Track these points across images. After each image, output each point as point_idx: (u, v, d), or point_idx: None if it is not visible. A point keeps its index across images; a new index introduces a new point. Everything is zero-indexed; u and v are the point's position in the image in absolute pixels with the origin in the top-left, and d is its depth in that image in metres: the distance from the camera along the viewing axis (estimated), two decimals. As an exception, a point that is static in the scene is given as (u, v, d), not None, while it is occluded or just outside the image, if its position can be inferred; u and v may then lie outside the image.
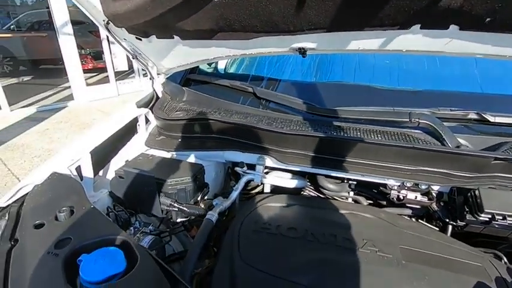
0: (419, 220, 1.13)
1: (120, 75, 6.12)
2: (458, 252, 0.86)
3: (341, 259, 0.83)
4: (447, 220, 1.01)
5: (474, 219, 0.90)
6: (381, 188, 1.11)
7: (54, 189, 0.86)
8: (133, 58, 1.19)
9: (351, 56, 1.41)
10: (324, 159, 1.09)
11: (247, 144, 1.18)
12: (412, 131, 1.07)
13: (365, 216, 1.01)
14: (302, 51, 1.03)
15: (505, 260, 0.92)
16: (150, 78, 1.38)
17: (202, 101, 1.38)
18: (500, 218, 0.85)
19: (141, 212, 1.08)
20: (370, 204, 1.23)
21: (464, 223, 0.95)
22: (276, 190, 1.28)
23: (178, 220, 1.08)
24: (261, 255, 0.85)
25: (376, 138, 1.04)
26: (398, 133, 1.05)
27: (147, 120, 1.41)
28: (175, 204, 1.02)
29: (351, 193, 1.25)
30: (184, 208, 1.02)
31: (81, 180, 1.01)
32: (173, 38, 1.02)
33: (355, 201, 1.25)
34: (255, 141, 1.17)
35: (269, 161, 1.18)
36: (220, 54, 1.14)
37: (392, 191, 1.07)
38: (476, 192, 0.91)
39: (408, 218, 1.10)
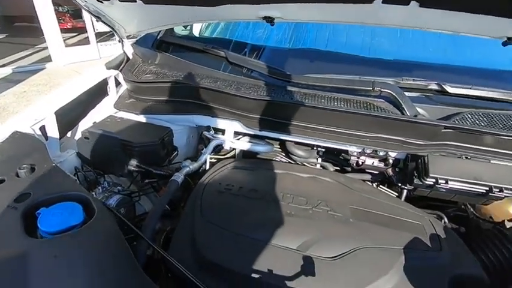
0: (381, 186, 1.20)
1: (102, 37, 5.82)
2: (403, 213, 0.94)
3: (295, 217, 0.89)
4: (399, 184, 1.08)
5: (421, 183, 0.96)
6: (343, 154, 1.16)
7: (16, 148, 0.87)
8: (97, 20, 1.15)
9: (325, 24, 1.39)
10: (289, 125, 1.12)
11: (216, 109, 1.19)
12: (375, 99, 1.10)
13: (324, 180, 1.07)
14: (269, 20, 1.02)
15: (445, 220, 1.01)
16: (119, 41, 1.33)
17: (174, 64, 1.35)
18: (443, 182, 0.92)
19: (109, 172, 1.11)
20: (336, 170, 1.29)
21: (412, 187, 1.02)
22: (248, 155, 1.32)
23: (147, 181, 1.12)
24: (221, 214, 0.90)
25: (340, 105, 1.07)
26: (361, 101, 1.08)
27: (118, 83, 1.40)
28: (142, 166, 1.05)
29: (319, 159, 1.31)
30: (151, 169, 1.06)
31: (46, 140, 1.02)
32: (135, 1, 0.98)
33: (323, 167, 1.31)
34: (224, 106, 1.18)
35: (238, 126, 1.21)
36: (186, 19, 1.11)
37: (352, 157, 1.12)
38: (425, 158, 0.96)
39: (367, 183, 1.17)
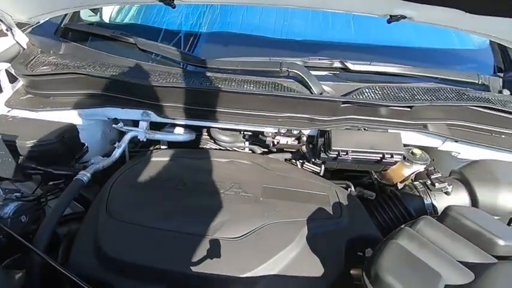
0: (306, 163, 1.24)
1: None
2: (312, 186, 0.99)
3: (206, 202, 0.89)
4: (312, 160, 1.14)
5: (326, 156, 1.02)
6: (260, 135, 1.18)
7: None
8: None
9: (239, 6, 1.38)
10: (201, 111, 1.10)
11: (126, 99, 1.13)
12: (285, 80, 1.13)
13: (242, 163, 1.08)
14: (168, 2, 0.97)
15: (352, 188, 1.09)
16: (7, 30, 1.17)
17: (78, 53, 1.24)
18: (344, 153, 0.98)
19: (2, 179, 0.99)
20: (263, 152, 1.32)
21: (321, 161, 1.08)
22: (174, 145, 1.28)
23: (52, 183, 1.02)
24: (128, 208, 0.87)
25: (249, 88, 1.07)
26: (271, 82, 1.10)
27: (16, 78, 1.24)
28: (40, 167, 0.96)
29: (246, 143, 1.32)
30: (51, 170, 0.97)
31: None
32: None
33: (252, 150, 1.32)
34: (134, 95, 1.12)
35: (153, 116, 1.16)
36: (83, 3, 1.01)
37: (267, 138, 1.14)
38: (329, 133, 1.02)
39: (285, 162, 1.21)
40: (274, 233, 0.81)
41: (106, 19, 1.49)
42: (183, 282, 0.74)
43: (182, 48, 1.28)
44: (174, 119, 1.11)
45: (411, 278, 0.54)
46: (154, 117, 1.15)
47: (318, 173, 1.21)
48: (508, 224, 0.87)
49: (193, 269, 0.73)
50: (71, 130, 1.04)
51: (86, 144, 1.12)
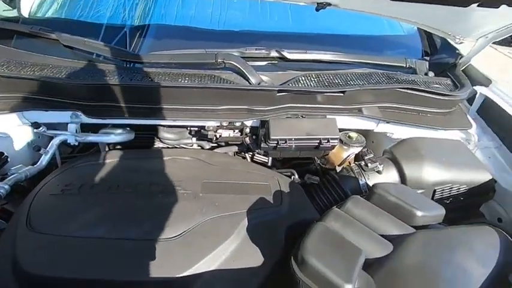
0: (256, 155, 1.23)
1: None
2: (255, 177, 0.98)
3: (140, 204, 0.84)
4: (256, 150, 1.14)
5: (267, 146, 1.02)
6: (202, 130, 1.15)
7: None
8: None
9: (173, -3, 1.32)
10: (137, 109, 1.04)
11: (51, 101, 1.03)
12: (222, 72, 1.11)
13: (182, 160, 1.04)
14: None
15: (296, 176, 1.11)
16: None
17: (-11, 53, 1.11)
18: (283, 142, 0.99)
19: None
20: (212, 147, 1.28)
21: (263, 151, 1.08)
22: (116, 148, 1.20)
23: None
24: (52, 219, 0.79)
25: (185, 81, 1.03)
26: (207, 75, 1.07)
27: None
28: None
29: (194, 139, 1.27)
30: (-41, 184, 0.86)
31: None
32: None
33: (201, 146, 1.28)
34: (59, 96, 1.02)
35: (83, 117, 1.07)
36: None
37: (209, 132, 1.12)
38: (268, 123, 1.02)
39: (229, 155, 1.19)
40: (212, 228, 0.79)
41: (25, 14, 1.35)
42: None
43: (113, 43, 1.19)
44: (106, 118, 1.04)
45: (333, 257, 0.55)
46: (85, 119, 1.06)
47: (266, 164, 1.22)
48: (432, 196, 0.94)
49: (123, 276, 0.69)
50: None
51: (5, 154, 1.01)
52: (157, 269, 0.71)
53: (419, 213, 0.69)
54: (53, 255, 0.71)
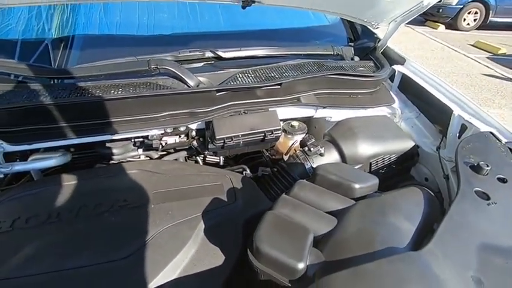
0: (209, 157, 1.22)
1: None
2: (206, 179, 0.98)
3: (86, 230, 0.79)
4: (205, 153, 1.14)
5: (214, 146, 1.03)
6: (145, 140, 1.11)
7: None
8: None
9: (95, 5, 1.24)
10: (71, 127, 0.97)
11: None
12: (158, 78, 1.08)
13: (128, 174, 1.00)
14: None
15: (247, 171, 1.14)
16: None
17: None
18: (229, 140, 1.01)
19: None
20: (161, 156, 1.24)
21: (211, 151, 1.09)
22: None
23: None
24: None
25: (118, 92, 0.99)
26: (142, 83, 1.04)
27: None
28: None
29: (140, 150, 1.22)
30: None
31: None
32: None
33: (149, 156, 1.23)
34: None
35: (6, 146, 0.96)
36: None
37: (153, 141, 1.09)
38: (212, 123, 1.03)
39: (178, 161, 1.17)
40: (168, 237, 0.78)
41: None
42: None
43: (30, 60, 1.09)
44: (32, 143, 0.95)
45: (284, 241, 0.59)
46: (8, 147, 0.96)
47: (219, 164, 1.22)
48: (370, 169, 1.04)
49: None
50: None
51: None
52: (116, 292, 0.68)
53: (356, 186, 0.76)
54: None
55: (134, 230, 0.79)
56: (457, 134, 1.06)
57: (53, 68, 1.04)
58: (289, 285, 0.57)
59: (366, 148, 1.02)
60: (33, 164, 1.02)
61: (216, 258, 0.78)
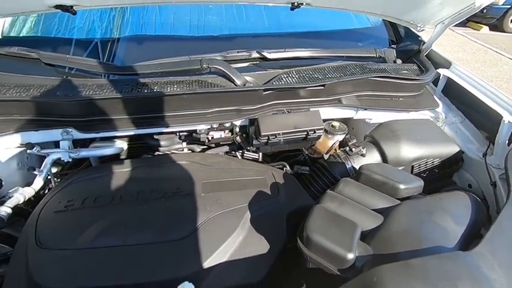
0: (246, 152, 1.29)
1: None
2: (250, 173, 1.04)
3: (146, 211, 0.88)
4: (248, 148, 1.20)
5: (258, 142, 1.09)
6: (194, 134, 1.20)
7: None
8: None
9: (150, 7, 1.34)
10: (128, 120, 1.07)
11: (39, 120, 1.03)
12: (208, 76, 1.15)
13: (179, 164, 1.08)
14: (65, 8, 0.91)
15: (287, 168, 1.19)
16: None
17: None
18: (273, 137, 1.06)
19: None
20: (203, 149, 1.33)
21: (255, 147, 1.15)
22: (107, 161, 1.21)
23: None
24: (60, 234, 0.82)
25: (174, 89, 1.07)
26: (194, 81, 1.12)
27: None
28: None
29: (184, 144, 1.31)
30: (-42, 213, 0.85)
31: None
32: None
33: (191, 150, 1.32)
34: (48, 115, 1.03)
35: (75, 133, 1.08)
36: None
37: (201, 135, 1.16)
38: (257, 121, 1.09)
39: (221, 155, 1.24)
40: (218, 223, 0.85)
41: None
42: None
43: (95, 57, 1.20)
44: (98, 132, 1.06)
45: (333, 232, 0.63)
46: (77, 135, 1.08)
47: (257, 160, 1.28)
48: (411, 172, 1.05)
49: (142, 278, 0.73)
50: (-25, 165, 0.92)
51: (0, 178, 1.01)
52: (172, 268, 0.75)
53: (402, 187, 0.78)
54: (65, 268, 0.74)
55: (188, 215, 0.87)
56: (507, 141, 1.03)
57: (115, 65, 1.14)
58: (338, 273, 0.61)
59: (408, 151, 1.03)
60: (96, 151, 1.14)
61: (261, 246, 0.83)
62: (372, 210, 0.73)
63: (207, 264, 0.76)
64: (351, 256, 0.59)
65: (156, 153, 1.27)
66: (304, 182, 1.09)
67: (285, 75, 1.17)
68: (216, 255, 0.78)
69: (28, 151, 1.01)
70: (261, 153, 1.27)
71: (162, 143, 1.26)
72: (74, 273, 0.73)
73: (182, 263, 0.76)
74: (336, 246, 0.60)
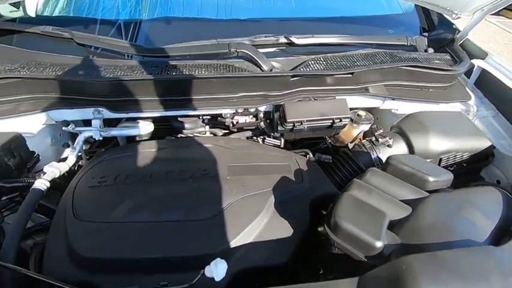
0: (267, 138, 1.30)
1: None
2: (274, 158, 1.06)
3: (175, 190, 0.91)
4: (272, 134, 1.21)
5: (283, 128, 1.09)
6: (219, 118, 1.21)
7: None
8: None
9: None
10: (157, 101, 1.09)
11: (72, 99, 1.07)
12: (235, 60, 1.15)
13: (204, 147, 1.11)
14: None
15: (310, 155, 1.19)
16: None
17: (5, 55, 1.13)
18: (299, 124, 1.06)
19: None
20: (224, 134, 1.35)
21: (279, 133, 1.15)
22: (132, 141, 1.25)
23: (5, 198, 0.97)
24: (96, 209, 0.86)
25: (202, 72, 1.08)
26: (222, 65, 1.12)
27: None
28: (-12, 182, 0.90)
29: (207, 127, 1.33)
30: (2, 184, 0.92)
31: None
32: None
33: (213, 133, 1.34)
34: (81, 94, 1.07)
35: (106, 112, 1.12)
36: None
37: (226, 119, 1.18)
38: (283, 107, 1.09)
39: (245, 140, 1.26)
40: (244, 206, 0.87)
41: (31, 13, 1.36)
42: (163, 266, 0.78)
43: (124, 38, 1.22)
44: (128, 112, 1.09)
45: (362, 220, 0.64)
46: (107, 114, 1.11)
47: (278, 146, 1.29)
48: (438, 165, 1.03)
49: (171, 253, 0.77)
50: (16, 139, 0.98)
51: (37, 152, 1.06)
52: (199, 245, 0.79)
53: (431, 179, 0.77)
54: (106, 240, 0.79)
55: (214, 196, 0.89)
56: (542, 138, 0.99)
57: (145, 46, 1.16)
58: (365, 260, 0.62)
59: (437, 143, 1.01)
60: (125, 131, 1.18)
61: (285, 230, 0.85)
62: (400, 201, 0.73)
63: (233, 244, 0.79)
64: (379, 244, 0.60)
65: (179, 135, 1.31)
66: (326, 170, 1.09)
67: (312, 62, 1.15)
68: (242, 236, 0.81)
69: (63, 128, 1.06)
70: (283, 140, 1.28)
71: (186, 125, 1.29)
72: (110, 244, 0.77)
73: (210, 242, 0.79)
74: (365, 234, 0.61)
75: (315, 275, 0.86)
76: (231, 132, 1.34)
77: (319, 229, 0.96)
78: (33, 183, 0.92)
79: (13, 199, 0.99)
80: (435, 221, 0.66)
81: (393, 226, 0.67)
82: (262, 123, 1.22)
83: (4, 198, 0.97)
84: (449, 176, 0.81)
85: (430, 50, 1.34)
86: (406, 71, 1.18)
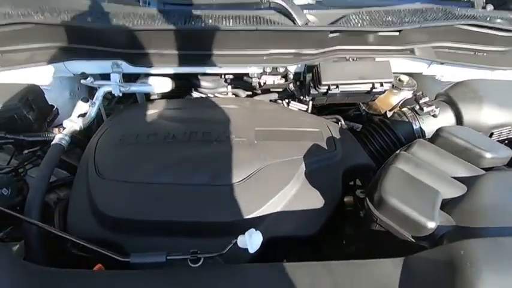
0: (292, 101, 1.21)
1: None
2: (304, 124, 0.97)
3: (199, 152, 0.86)
4: (301, 97, 1.11)
5: (316, 92, 0.99)
6: (245, 77, 1.12)
7: None
8: None
9: None
10: (180, 56, 1.00)
11: (91, 49, 1.00)
12: (266, 11, 1.03)
13: (229, 108, 1.03)
14: None
15: (342, 122, 1.10)
16: None
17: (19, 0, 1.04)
18: (334, 87, 0.96)
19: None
20: (248, 95, 1.26)
21: (311, 97, 1.06)
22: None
23: (26, 151, 0.95)
24: (118, 167, 0.83)
25: (229, 24, 0.97)
26: (251, 16, 1.00)
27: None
28: (9, 136, 0.87)
29: (229, 87, 1.25)
30: (23, 137, 0.88)
31: None
32: None
33: (235, 94, 1.26)
34: (100, 44, 0.99)
35: (125, 66, 1.04)
36: None
37: (253, 79, 1.08)
38: (318, 67, 0.98)
39: (272, 103, 1.17)
40: (273, 173, 0.81)
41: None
42: (189, 231, 0.75)
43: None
44: (149, 67, 1.01)
45: (413, 198, 0.57)
46: (127, 68, 1.04)
47: (305, 111, 1.20)
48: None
49: (198, 217, 0.74)
50: (35, 91, 0.92)
51: (56, 106, 1.02)
52: (225, 212, 0.75)
53: (488, 155, 0.69)
54: (129, 200, 0.76)
55: (241, 161, 0.84)
56: None
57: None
58: (411, 240, 0.57)
59: (490, 115, 0.89)
60: (145, 87, 1.11)
61: (316, 199, 0.80)
62: (451, 177, 0.65)
63: (261, 212, 0.75)
64: (432, 225, 0.53)
65: (200, 95, 1.23)
66: (359, 139, 1.01)
67: (354, 17, 1.01)
68: (270, 204, 0.76)
69: (82, 81, 0.99)
70: (310, 104, 1.18)
71: (207, 84, 1.20)
72: (135, 205, 0.75)
73: (236, 208, 0.75)
74: (416, 213, 0.54)
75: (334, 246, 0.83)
76: (254, 94, 1.25)
77: (345, 199, 0.91)
78: (54, 137, 0.88)
79: (35, 153, 0.97)
80: (494, 202, 0.59)
81: (445, 206, 0.60)
82: (291, 85, 1.12)
83: (26, 151, 0.95)
84: (508, 153, 0.71)
85: (489, 7, 1.16)
86: (461, 30, 1.02)
